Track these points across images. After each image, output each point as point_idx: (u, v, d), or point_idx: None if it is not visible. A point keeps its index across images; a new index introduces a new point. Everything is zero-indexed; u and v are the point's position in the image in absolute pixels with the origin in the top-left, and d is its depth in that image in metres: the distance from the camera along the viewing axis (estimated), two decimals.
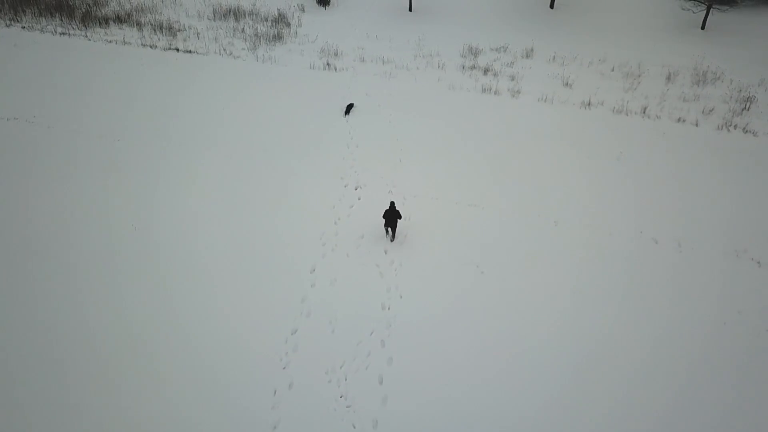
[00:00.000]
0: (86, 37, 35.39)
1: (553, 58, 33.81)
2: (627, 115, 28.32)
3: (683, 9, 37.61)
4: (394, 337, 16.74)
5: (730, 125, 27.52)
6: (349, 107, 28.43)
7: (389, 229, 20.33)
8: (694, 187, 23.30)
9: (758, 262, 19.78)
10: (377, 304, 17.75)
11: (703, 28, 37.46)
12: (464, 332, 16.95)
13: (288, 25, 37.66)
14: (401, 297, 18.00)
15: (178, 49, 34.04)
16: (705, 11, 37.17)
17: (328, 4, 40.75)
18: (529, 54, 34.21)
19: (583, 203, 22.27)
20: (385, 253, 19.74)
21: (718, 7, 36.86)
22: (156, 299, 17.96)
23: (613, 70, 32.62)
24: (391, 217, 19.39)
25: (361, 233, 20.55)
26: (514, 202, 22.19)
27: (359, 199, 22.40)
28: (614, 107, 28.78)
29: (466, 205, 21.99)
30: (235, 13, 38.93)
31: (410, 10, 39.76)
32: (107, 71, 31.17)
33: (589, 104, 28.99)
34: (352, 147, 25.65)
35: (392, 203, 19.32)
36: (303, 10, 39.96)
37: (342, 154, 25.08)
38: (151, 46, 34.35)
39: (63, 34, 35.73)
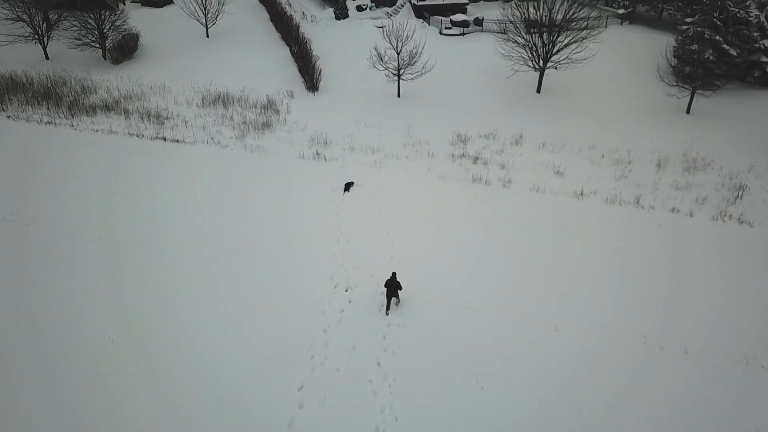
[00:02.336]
0: (72, 126, 35.09)
1: (543, 144, 33.80)
2: (621, 205, 27.96)
3: (668, 95, 38.15)
4: None
5: (725, 215, 27.18)
6: (349, 185, 28.38)
7: (391, 299, 20.62)
8: (696, 285, 22.55)
9: None
10: (371, 429, 16.46)
11: (688, 112, 37.96)
12: None
13: (277, 111, 37.69)
14: (396, 419, 16.74)
15: (165, 138, 33.73)
16: (689, 96, 37.74)
17: (317, 90, 41.04)
18: (518, 141, 34.20)
19: (584, 305, 21.37)
20: (379, 365, 18.58)
21: (701, 92, 37.44)
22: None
23: (603, 157, 32.58)
24: (393, 287, 20.32)
25: (352, 343, 19.42)
26: (512, 305, 21.26)
27: (350, 302, 21.40)
28: (607, 197, 28.45)
29: (461, 308, 21.03)
30: (224, 100, 39.01)
31: (398, 95, 40.06)
32: (92, 163, 30.59)
33: (581, 194, 28.65)
34: (343, 243, 24.88)
35: (394, 273, 20.51)
36: (292, 96, 40.14)
37: (332, 251, 24.26)
38: (138, 135, 34.03)
39: (49, 123, 35.43)
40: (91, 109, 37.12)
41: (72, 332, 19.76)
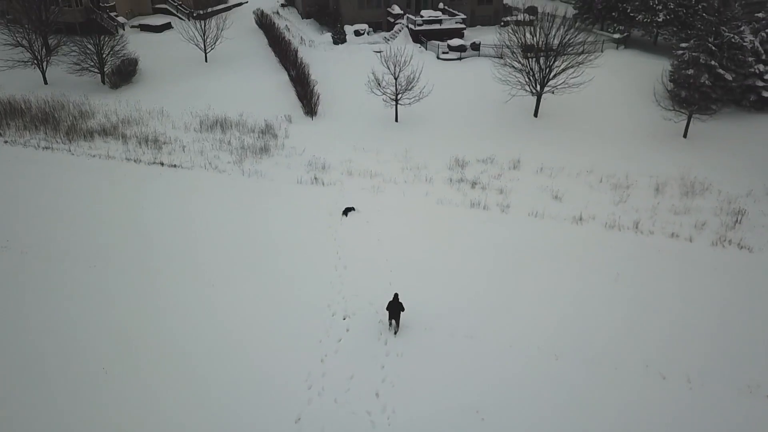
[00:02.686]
0: (70, 151, 35.03)
1: (541, 169, 33.79)
2: (620, 230, 27.85)
3: (665, 119, 38.29)
4: None
5: (725, 240, 27.07)
6: (348, 210, 28.52)
7: (393, 321, 20.72)
8: (698, 312, 22.32)
9: None
10: None
11: (685, 136, 38.09)
12: None
13: (275, 136, 37.69)
14: None
15: (162, 164, 33.63)
16: (686, 120, 37.88)
17: (316, 114, 41.12)
18: (516, 165, 34.20)
19: (584, 333, 21.12)
20: (377, 396, 18.26)
21: (698, 116, 37.59)
22: None
23: (601, 182, 32.56)
24: (395, 308, 20.41)
25: (350, 373, 19.12)
26: (512, 333, 20.99)
27: (347, 330, 21.12)
28: (606, 222, 28.34)
29: (461, 337, 20.75)
30: (222, 125, 39.04)
31: (396, 120, 40.14)
32: (89, 189, 30.45)
33: (580, 219, 28.55)
34: (340, 269, 24.67)
35: (396, 295, 20.57)
36: (290, 121, 40.19)
37: (329, 278, 24.02)
38: (135, 161, 33.94)
39: (46, 148, 35.37)
40: (89, 134, 37.08)
41: (68, 359, 19.48)
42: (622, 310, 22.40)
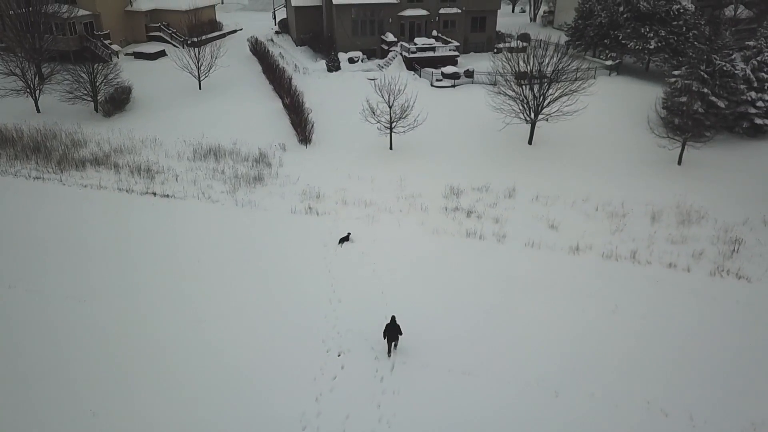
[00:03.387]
0: (61, 181, 34.67)
1: (536, 197, 33.62)
2: (617, 260, 27.60)
3: (659, 146, 38.33)
4: None
5: (723, 270, 26.85)
6: (344, 239, 28.27)
7: (392, 344, 20.77)
8: (699, 345, 21.97)
9: None
10: None
11: (679, 163, 38.10)
12: None
13: (269, 165, 37.45)
14: None
15: (155, 194, 33.30)
16: (680, 148, 37.94)
17: (310, 143, 40.96)
18: (511, 194, 34.01)
19: (584, 368, 20.74)
20: None
21: (692, 143, 37.66)
22: None
23: (597, 210, 32.38)
24: (392, 332, 20.41)
25: (346, 412, 18.63)
26: (511, 369, 20.58)
27: (342, 367, 20.65)
28: (603, 252, 28.10)
29: (459, 373, 20.33)
30: (216, 153, 38.80)
31: (391, 148, 40.03)
32: (79, 220, 30.06)
33: (577, 249, 28.31)
34: (335, 302, 24.25)
35: (393, 317, 20.60)
36: (284, 149, 39.99)
37: (324, 312, 23.59)
38: (127, 191, 33.61)
39: (37, 178, 35.02)
40: (81, 164, 36.74)
41: (60, 396, 19.02)
42: (621, 343, 22.05)
